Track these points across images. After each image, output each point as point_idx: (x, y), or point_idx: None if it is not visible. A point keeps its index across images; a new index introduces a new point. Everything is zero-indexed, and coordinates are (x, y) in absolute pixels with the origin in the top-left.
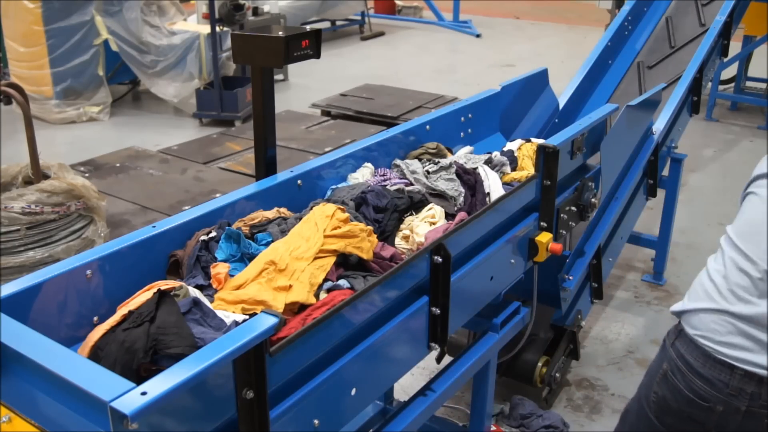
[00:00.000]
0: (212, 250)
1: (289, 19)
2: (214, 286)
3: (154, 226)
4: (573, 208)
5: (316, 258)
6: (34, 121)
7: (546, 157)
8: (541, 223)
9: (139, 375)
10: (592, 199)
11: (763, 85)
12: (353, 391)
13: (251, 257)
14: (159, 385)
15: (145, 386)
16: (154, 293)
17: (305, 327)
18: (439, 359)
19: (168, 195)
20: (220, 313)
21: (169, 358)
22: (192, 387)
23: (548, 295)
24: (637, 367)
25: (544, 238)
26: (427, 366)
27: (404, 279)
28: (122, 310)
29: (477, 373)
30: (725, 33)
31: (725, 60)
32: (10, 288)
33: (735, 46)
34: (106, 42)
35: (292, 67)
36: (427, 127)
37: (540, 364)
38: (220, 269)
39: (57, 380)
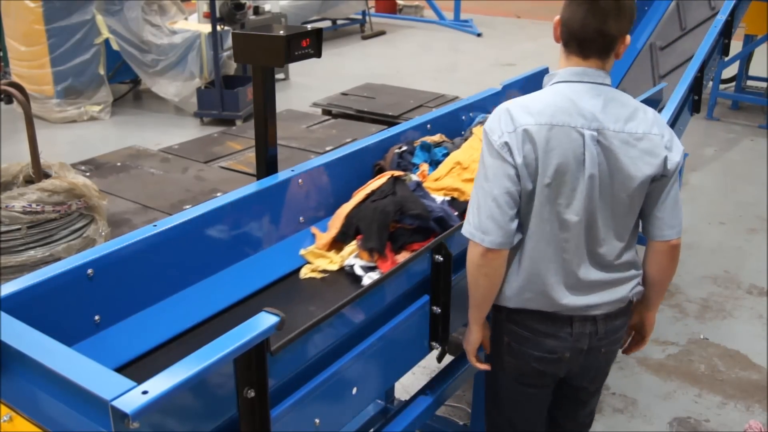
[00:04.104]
0: (405, 159)
1: (290, 18)
2: (419, 179)
3: (155, 225)
4: None
5: None
6: (35, 120)
7: None
8: None
9: (389, 232)
10: None
11: (764, 84)
12: (354, 390)
13: (437, 162)
14: (160, 384)
15: (146, 385)
16: (388, 179)
17: (305, 327)
18: (440, 358)
19: (169, 194)
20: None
21: (410, 218)
22: (193, 386)
23: None
24: (638, 366)
25: None
26: (428, 365)
27: (405, 278)
28: (360, 194)
29: (478, 372)
30: (726, 32)
31: (726, 59)
32: (10, 287)
33: (736, 45)
34: (107, 41)
35: (293, 66)
36: (428, 125)
37: None
38: (423, 167)
39: (58, 379)
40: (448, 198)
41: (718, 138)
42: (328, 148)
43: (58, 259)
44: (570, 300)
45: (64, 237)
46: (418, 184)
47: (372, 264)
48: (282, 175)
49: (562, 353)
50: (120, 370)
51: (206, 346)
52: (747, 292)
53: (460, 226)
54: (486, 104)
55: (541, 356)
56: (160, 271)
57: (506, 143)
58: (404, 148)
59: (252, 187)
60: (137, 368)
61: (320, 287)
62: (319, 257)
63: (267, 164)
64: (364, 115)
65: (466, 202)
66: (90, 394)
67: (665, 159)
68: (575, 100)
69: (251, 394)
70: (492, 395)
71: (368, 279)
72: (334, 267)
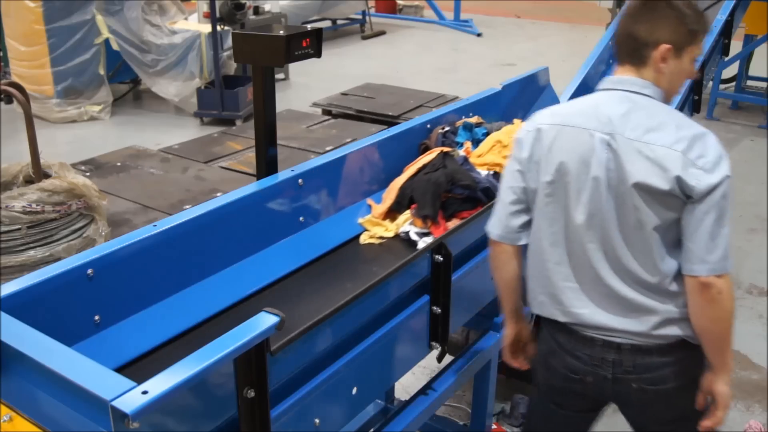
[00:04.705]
0: (449, 138)
1: (290, 18)
2: (465, 155)
3: (155, 225)
4: None
5: None
6: (35, 120)
7: None
8: None
9: (441, 201)
10: None
11: (764, 84)
12: (354, 390)
13: (478, 141)
14: (160, 384)
15: (146, 385)
16: (438, 154)
17: (306, 326)
18: (440, 358)
19: (169, 194)
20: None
21: (460, 188)
22: (193, 386)
23: None
24: None
25: None
26: (428, 365)
27: (405, 278)
28: (411, 169)
29: (478, 372)
30: (726, 32)
31: (726, 59)
32: (10, 287)
33: (736, 45)
34: (107, 41)
35: (293, 66)
36: (429, 125)
37: None
38: (467, 145)
39: (58, 379)
40: (491, 172)
41: (718, 138)
42: (328, 148)
43: (58, 259)
44: (585, 311)
45: (64, 237)
46: (465, 159)
47: (426, 230)
48: (282, 175)
49: (583, 375)
50: (120, 370)
51: (206, 346)
52: (747, 292)
53: (460, 227)
54: (486, 104)
55: (565, 374)
56: (160, 271)
57: (520, 139)
58: (447, 128)
59: (252, 187)
60: (137, 368)
61: (379, 251)
62: (376, 225)
63: (267, 164)
64: (364, 115)
65: None
66: (90, 394)
67: (686, 177)
68: (599, 105)
69: (251, 394)
70: (529, 405)
71: (423, 243)
72: (390, 234)
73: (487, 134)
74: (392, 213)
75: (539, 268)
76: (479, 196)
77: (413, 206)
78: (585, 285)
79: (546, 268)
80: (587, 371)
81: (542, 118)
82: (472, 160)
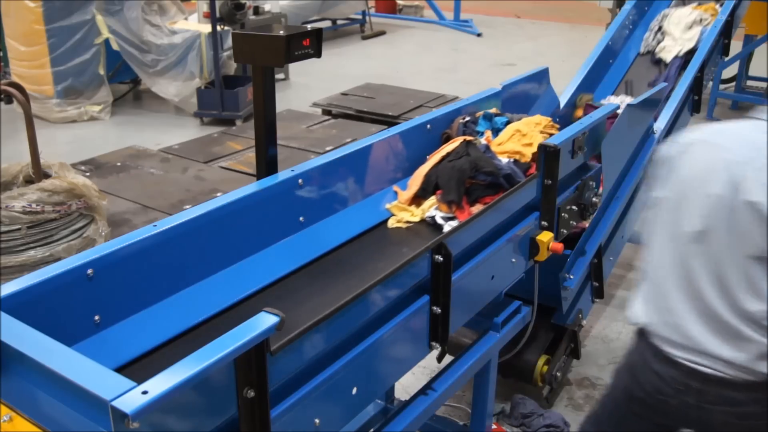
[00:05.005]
0: (469, 128)
1: (290, 18)
2: (487, 143)
3: (155, 225)
4: (574, 207)
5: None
6: (35, 120)
7: (547, 156)
8: (542, 222)
9: (465, 187)
10: (593, 199)
11: (764, 84)
12: (354, 391)
13: (497, 130)
14: (160, 384)
15: (146, 385)
16: (461, 142)
17: (306, 327)
18: (439, 358)
19: (169, 194)
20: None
21: (484, 174)
22: (193, 386)
23: (549, 294)
24: None
25: (545, 237)
26: (428, 365)
27: (405, 278)
28: (435, 157)
29: (478, 372)
30: (726, 32)
31: (726, 59)
32: (10, 287)
33: (736, 46)
34: (107, 41)
35: (292, 66)
36: (428, 126)
37: (541, 363)
38: (488, 134)
39: (58, 379)
40: (512, 159)
41: None
42: (328, 148)
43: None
44: (702, 336)
45: (64, 237)
46: (487, 147)
47: (451, 215)
48: (282, 175)
49: (667, 398)
50: (120, 370)
51: (206, 346)
52: None
53: (460, 227)
54: (486, 104)
55: (650, 391)
56: (160, 271)
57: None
58: (468, 118)
59: (252, 187)
60: (137, 368)
61: (406, 234)
62: (403, 210)
63: (267, 164)
64: (364, 115)
65: (527, 164)
66: (90, 394)
67: None
68: (749, 131)
69: (251, 394)
70: (604, 402)
71: (448, 226)
72: (416, 219)
73: (507, 123)
74: (418, 199)
75: (653, 277)
76: (501, 182)
77: (438, 192)
78: (700, 304)
79: (660, 280)
80: (670, 394)
81: (693, 134)
82: (494, 148)
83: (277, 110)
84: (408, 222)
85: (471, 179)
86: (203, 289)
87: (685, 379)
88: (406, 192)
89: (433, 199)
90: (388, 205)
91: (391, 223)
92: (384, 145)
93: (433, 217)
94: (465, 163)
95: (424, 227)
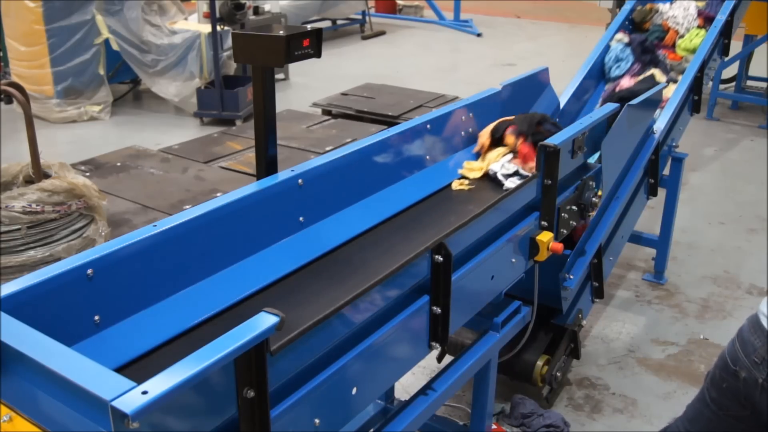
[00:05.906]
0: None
1: (290, 19)
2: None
3: (155, 225)
4: (574, 208)
5: None
6: (34, 121)
7: (547, 157)
8: (542, 222)
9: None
10: (593, 199)
11: (764, 84)
12: (354, 391)
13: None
14: (160, 384)
15: (145, 385)
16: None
17: (305, 327)
18: (439, 358)
19: (169, 194)
20: None
21: (550, 125)
22: (193, 386)
23: (549, 294)
24: (638, 366)
25: (545, 237)
26: (428, 365)
27: (405, 278)
28: (491, 126)
29: (478, 372)
30: (726, 32)
31: (726, 59)
32: (10, 287)
33: (736, 46)
34: (107, 41)
35: (292, 67)
36: (428, 126)
37: (541, 363)
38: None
39: (58, 379)
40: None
41: (718, 138)
42: (328, 148)
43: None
44: None
45: (64, 237)
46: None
47: (512, 169)
48: (282, 175)
49: (739, 368)
50: (120, 370)
51: (206, 346)
52: (747, 292)
53: (459, 228)
54: (486, 104)
55: (725, 362)
56: (160, 271)
57: None
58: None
59: (252, 187)
60: (137, 368)
61: (468, 195)
62: (471, 171)
63: (267, 164)
64: (364, 115)
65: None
66: (90, 394)
67: None
68: None
69: (251, 394)
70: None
71: (511, 183)
72: (478, 174)
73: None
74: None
75: None
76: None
77: (510, 128)
78: None
79: None
80: (744, 365)
81: None
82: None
83: (277, 110)
84: (471, 182)
85: (539, 125)
86: (203, 289)
87: (765, 352)
88: (477, 145)
89: (498, 151)
90: (460, 170)
91: (455, 185)
92: (384, 145)
93: (495, 173)
94: (532, 114)
95: (486, 186)
